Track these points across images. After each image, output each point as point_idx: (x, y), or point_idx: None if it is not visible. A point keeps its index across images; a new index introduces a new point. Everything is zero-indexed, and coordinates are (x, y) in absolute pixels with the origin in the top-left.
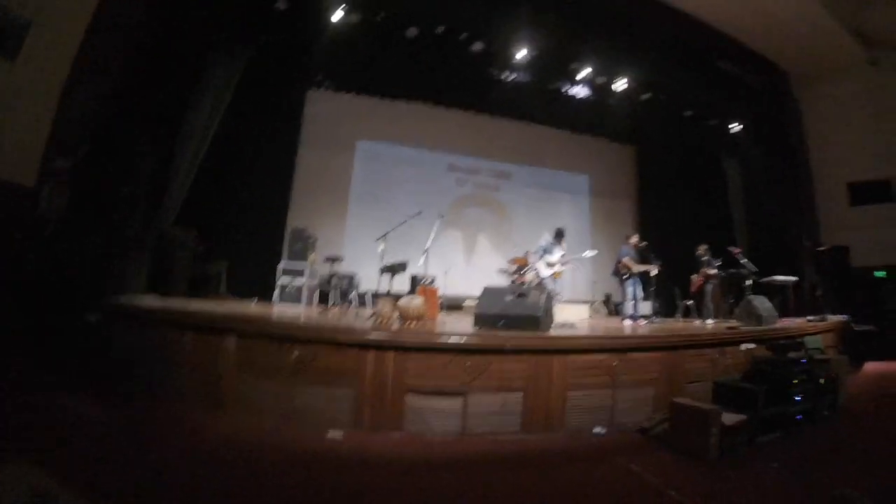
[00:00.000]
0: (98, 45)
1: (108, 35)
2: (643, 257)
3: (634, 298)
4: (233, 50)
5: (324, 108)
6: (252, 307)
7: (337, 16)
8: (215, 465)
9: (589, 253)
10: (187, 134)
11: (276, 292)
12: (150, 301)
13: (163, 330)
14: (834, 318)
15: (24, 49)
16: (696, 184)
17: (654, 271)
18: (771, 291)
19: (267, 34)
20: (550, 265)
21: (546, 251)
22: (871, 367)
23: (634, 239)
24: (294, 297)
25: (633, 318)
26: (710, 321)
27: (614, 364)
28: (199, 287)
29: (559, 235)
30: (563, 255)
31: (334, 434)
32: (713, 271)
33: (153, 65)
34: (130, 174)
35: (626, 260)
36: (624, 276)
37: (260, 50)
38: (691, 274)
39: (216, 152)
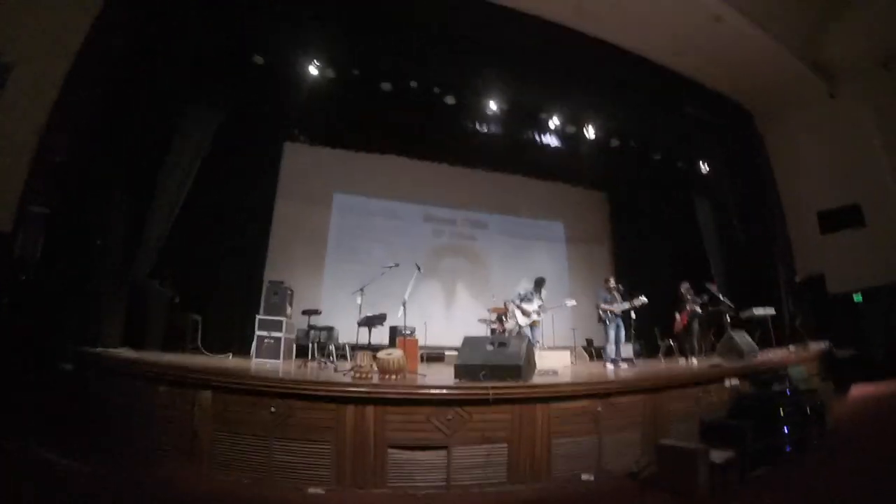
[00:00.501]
0: (76, 93)
1: (86, 84)
2: (625, 298)
3: (616, 341)
4: (211, 102)
5: (301, 160)
6: (227, 361)
7: (313, 70)
8: None
9: (569, 302)
10: (164, 184)
11: (254, 346)
12: (125, 353)
13: (137, 382)
14: (816, 346)
15: (3, 95)
16: (669, 224)
17: (638, 305)
18: (750, 325)
19: (244, 88)
20: (527, 314)
21: (524, 299)
22: (857, 390)
23: (611, 282)
24: (271, 350)
25: (615, 361)
26: (693, 359)
27: (598, 409)
28: (174, 340)
29: (539, 284)
30: (540, 305)
31: (315, 491)
32: (698, 308)
33: (131, 115)
34: (106, 224)
35: (603, 304)
36: (607, 321)
37: (238, 102)
38: (671, 313)
39: (193, 203)
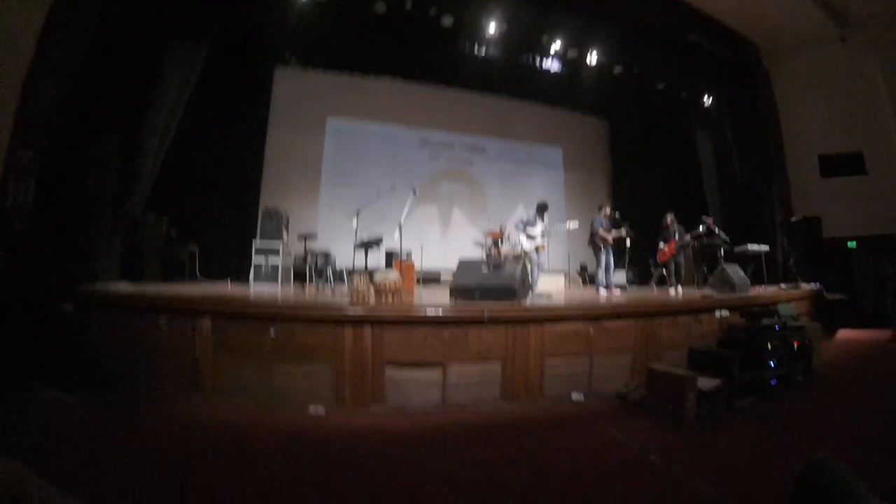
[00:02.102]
0: (57, 36)
1: (69, 24)
2: (616, 226)
3: (608, 268)
4: (197, 30)
5: (292, 85)
6: (226, 289)
7: None
8: (198, 449)
9: (571, 224)
10: (154, 118)
11: (251, 272)
12: (124, 287)
13: (137, 316)
14: (807, 287)
15: None
16: (668, 156)
17: (625, 234)
18: (744, 261)
19: (231, 12)
20: (532, 238)
21: (528, 224)
22: (843, 334)
23: (607, 209)
24: (269, 276)
25: (607, 286)
26: (680, 288)
27: (590, 332)
28: (173, 271)
29: (541, 209)
30: (544, 229)
31: (316, 410)
32: (686, 239)
33: (116, 49)
34: (97, 162)
35: (601, 231)
36: (599, 247)
37: (225, 29)
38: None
39: (184, 135)
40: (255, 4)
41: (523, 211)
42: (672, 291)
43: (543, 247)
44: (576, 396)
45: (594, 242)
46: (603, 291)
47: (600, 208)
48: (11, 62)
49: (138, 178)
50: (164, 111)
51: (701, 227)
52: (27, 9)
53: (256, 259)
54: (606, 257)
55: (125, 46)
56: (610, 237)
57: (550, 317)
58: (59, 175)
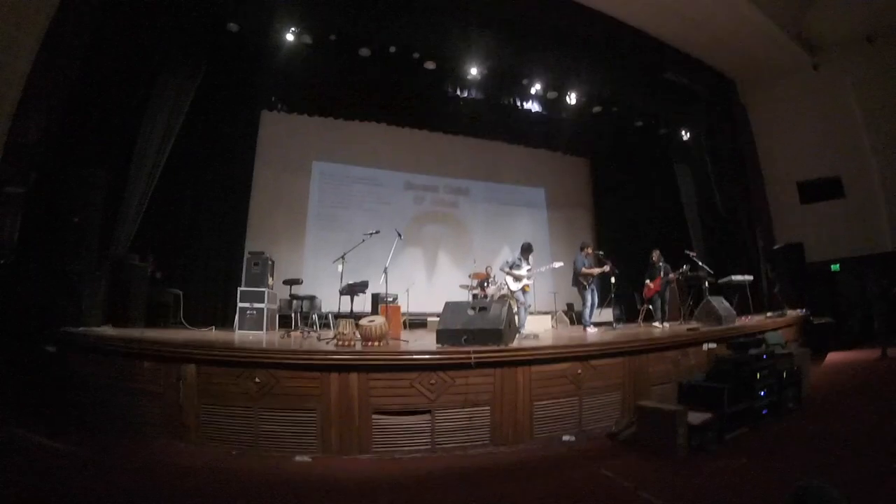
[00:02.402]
0: (48, 70)
1: (58, 60)
2: (600, 264)
3: (592, 305)
4: (184, 73)
5: (279, 129)
6: (211, 334)
7: (290, 36)
8: (181, 496)
9: (556, 264)
10: (140, 159)
11: (236, 318)
12: (107, 331)
13: (121, 360)
14: (793, 313)
15: None
16: (649, 191)
17: (608, 270)
18: (729, 291)
19: (219, 56)
20: (518, 279)
21: (513, 266)
22: (832, 357)
23: (588, 249)
24: (254, 322)
25: (589, 324)
26: (666, 324)
27: (579, 372)
28: (157, 316)
29: (526, 250)
30: (529, 269)
31: (302, 459)
32: (671, 275)
33: (103, 89)
34: (83, 199)
35: (584, 269)
36: (584, 285)
37: (212, 72)
38: (647, 279)
39: (170, 177)
40: (244, 46)
41: (509, 253)
42: (658, 327)
43: (529, 287)
44: (566, 437)
45: (578, 281)
46: (591, 329)
47: (582, 248)
48: (1, 95)
49: (124, 218)
50: (151, 150)
51: (685, 265)
52: (17, 43)
53: (241, 304)
54: (592, 296)
55: (114, 82)
56: (593, 272)
57: (538, 358)
58: (46, 211)
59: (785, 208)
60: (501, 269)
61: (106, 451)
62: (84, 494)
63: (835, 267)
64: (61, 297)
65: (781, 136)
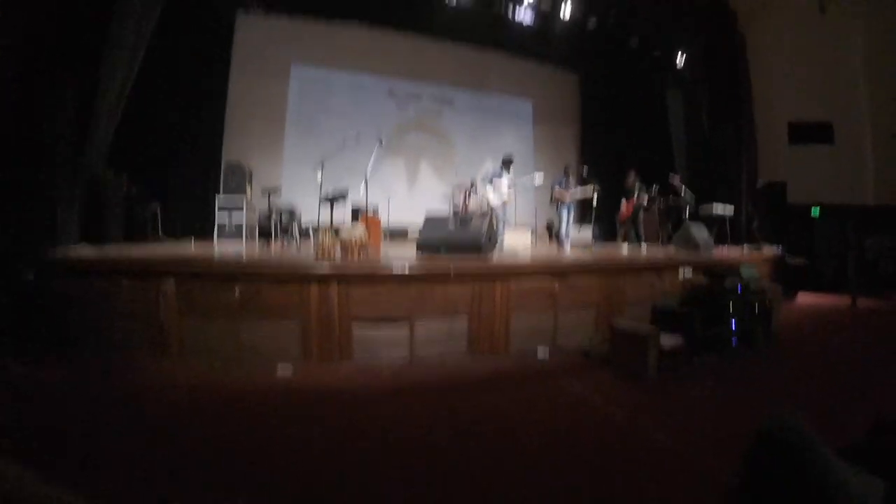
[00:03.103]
0: None
1: None
2: (584, 184)
3: (567, 224)
4: None
5: (255, 33)
6: (190, 248)
7: None
8: (166, 411)
9: (537, 177)
10: (110, 70)
11: (215, 230)
12: (84, 250)
13: (100, 279)
14: (769, 250)
15: None
16: (639, 113)
17: (590, 193)
18: (709, 221)
19: None
20: (499, 192)
21: (493, 177)
22: (803, 298)
23: (570, 173)
24: (233, 233)
25: (563, 242)
26: (642, 246)
27: (555, 288)
28: (134, 231)
29: (507, 163)
30: (510, 183)
31: (284, 367)
32: (644, 201)
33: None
34: (52, 112)
35: (556, 189)
36: (559, 204)
37: None
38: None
39: (143, 86)
40: None
41: (490, 165)
42: (633, 249)
43: (509, 201)
44: (541, 352)
45: (553, 199)
46: (566, 247)
47: (565, 169)
48: None
49: (96, 132)
50: (122, 58)
51: (654, 186)
52: None
53: (220, 216)
54: (567, 214)
55: None
56: (567, 195)
57: (516, 272)
58: (13, 127)
59: (773, 146)
60: (482, 181)
61: (88, 373)
62: (67, 420)
63: (815, 211)
64: (36, 218)
65: (777, 73)
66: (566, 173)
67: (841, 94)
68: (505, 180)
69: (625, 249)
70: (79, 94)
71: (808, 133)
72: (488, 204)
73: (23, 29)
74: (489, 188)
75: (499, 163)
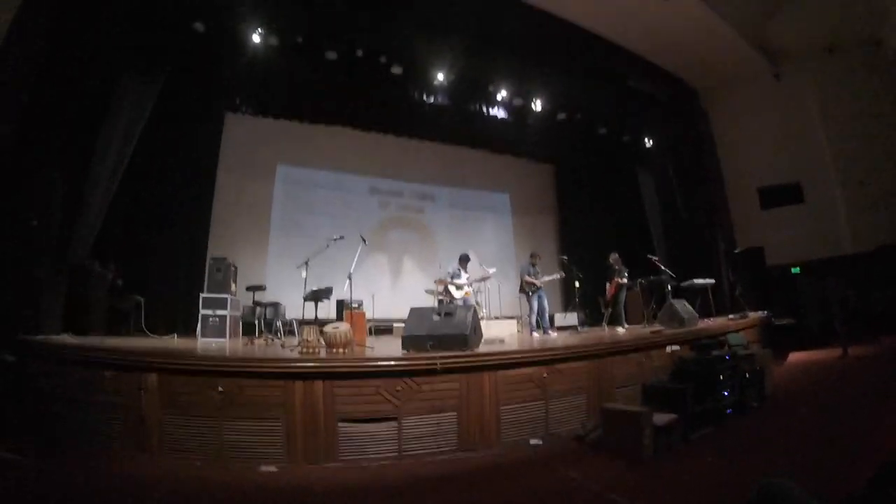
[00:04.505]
0: (7, 68)
1: (18, 56)
2: (564, 269)
3: (541, 312)
4: (147, 74)
5: (243, 132)
6: (173, 342)
7: (256, 38)
8: None
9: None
10: (100, 162)
11: (199, 325)
12: (67, 339)
13: (81, 369)
14: (754, 315)
15: None
16: (613, 197)
17: (559, 278)
18: (691, 295)
19: (183, 57)
20: (459, 288)
21: (453, 276)
22: (794, 356)
23: (536, 257)
24: (217, 329)
25: (541, 329)
26: (625, 327)
27: (544, 376)
28: (118, 323)
29: (464, 260)
30: (468, 278)
31: (268, 468)
32: (624, 279)
33: (62, 89)
34: (41, 202)
35: (526, 277)
36: (527, 293)
37: (176, 73)
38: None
39: (131, 180)
40: (209, 46)
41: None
42: (619, 330)
43: (469, 293)
44: (534, 441)
45: (522, 288)
46: (535, 335)
47: (531, 256)
48: None
49: (84, 222)
50: (112, 152)
51: (626, 272)
52: None
53: (204, 311)
54: (539, 302)
55: (74, 80)
56: (538, 282)
57: (504, 362)
58: (2, 215)
59: (746, 213)
60: (442, 280)
61: (67, 463)
62: None
63: (795, 270)
64: (19, 304)
65: (742, 143)
66: (532, 260)
67: (805, 154)
68: (464, 277)
69: (611, 330)
70: (67, 185)
71: (779, 196)
72: (451, 298)
73: (16, 120)
74: (452, 286)
75: (456, 262)
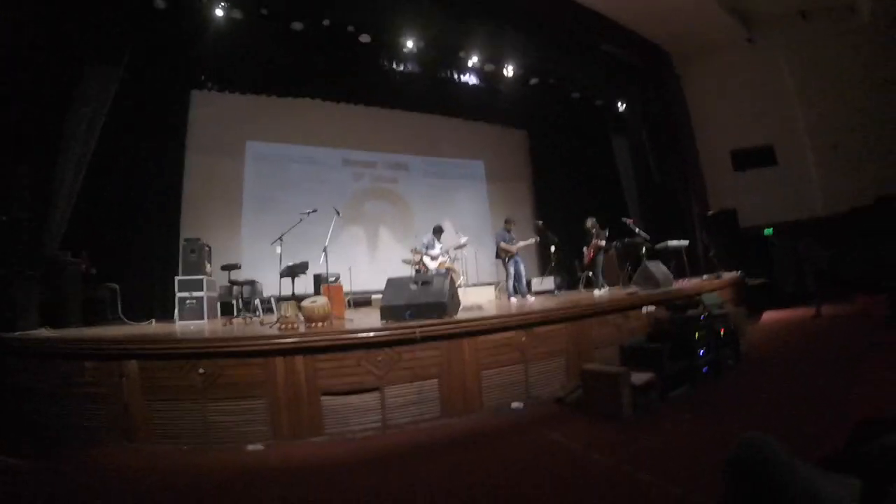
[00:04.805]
0: None
1: None
2: (539, 233)
3: (517, 277)
4: (109, 56)
5: (210, 110)
6: (151, 328)
7: (219, 12)
8: (132, 499)
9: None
10: (66, 152)
11: (176, 308)
12: (44, 333)
13: (60, 362)
14: (728, 275)
15: None
16: (587, 161)
17: (533, 243)
18: (666, 256)
19: (145, 37)
20: (434, 258)
21: (428, 247)
22: (768, 316)
23: (511, 223)
24: (195, 311)
25: (519, 294)
26: (604, 289)
27: (523, 339)
28: (94, 313)
29: (437, 232)
30: (442, 248)
31: (255, 447)
32: (602, 242)
33: (25, 82)
34: (9, 197)
35: (502, 243)
36: (505, 259)
37: (138, 54)
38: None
39: (99, 168)
40: (170, 25)
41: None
42: (597, 292)
43: (444, 264)
44: (515, 404)
45: (499, 255)
46: (513, 300)
47: (506, 222)
48: None
49: (53, 215)
50: (78, 140)
51: (604, 237)
52: None
53: (180, 294)
54: (516, 267)
55: (36, 73)
56: (514, 248)
57: (482, 328)
58: None
59: (719, 176)
60: (418, 251)
61: (53, 458)
62: None
63: (768, 231)
64: None
65: (715, 107)
66: (507, 227)
67: (777, 116)
68: (438, 248)
69: (589, 293)
70: (34, 177)
71: (752, 158)
72: (425, 268)
73: None
74: (426, 257)
75: (430, 233)
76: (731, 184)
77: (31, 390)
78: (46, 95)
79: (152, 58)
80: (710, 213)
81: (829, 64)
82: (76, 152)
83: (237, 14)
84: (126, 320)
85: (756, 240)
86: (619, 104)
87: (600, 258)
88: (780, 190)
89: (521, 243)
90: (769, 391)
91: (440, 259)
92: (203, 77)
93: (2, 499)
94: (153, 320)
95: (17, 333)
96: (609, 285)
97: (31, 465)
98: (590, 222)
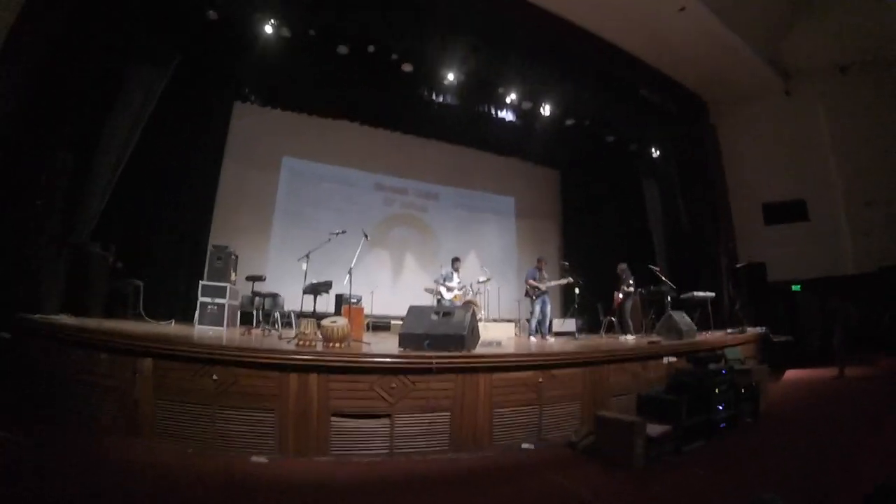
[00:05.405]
0: (17, 49)
1: (29, 40)
2: (563, 275)
3: (542, 316)
4: (158, 59)
5: (250, 122)
6: (170, 328)
7: (268, 28)
8: (132, 496)
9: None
10: (107, 145)
11: (197, 312)
12: (64, 320)
13: (77, 350)
14: (753, 331)
15: None
16: (617, 205)
17: (566, 283)
18: (691, 307)
19: (195, 45)
20: (450, 290)
21: (445, 279)
22: (790, 374)
23: (542, 262)
24: (215, 317)
25: (539, 334)
26: (630, 336)
27: (539, 381)
28: (116, 306)
29: (455, 263)
30: (459, 282)
31: (259, 459)
32: (631, 289)
33: (72, 72)
34: (46, 185)
35: (530, 280)
36: (533, 297)
37: (187, 61)
38: (613, 291)
39: (137, 164)
40: (221, 35)
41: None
42: (620, 338)
43: (459, 297)
44: (526, 445)
45: (527, 292)
46: (533, 339)
47: (538, 261)
48: None
49: (87, 204)
50: (120, 136)
51: (630, 283)
52: None
53: (203, 299)
54: (542, 307)
55: (86, 64)
56: (542, 286)
57: (500, 365)
58: (7, 193)
59: (749, 228)
60: (436, 282)
61: (58, 443)
62: (31, 491)
63: (796, 287)
64: (19, 283)
65: (749, 158)
66: (538, 265)
67: (811, 170)
68: (455, 280)
69: (610, 339)
70: (74, 167)
71: (784, 212)
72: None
73: (26, 100)
74: (443, 288)
75: (449, 265)
76: (761, 237)
77: (44, 373)
78: (95, 89)
79: (200, 66)
80: (739, 265)
81: (867, 120)
82: (117, 146)
83: (286, 32)
84: (146, 318)
85: (783, 295)
86: (653, 150)
87: (628, 304)
88: (810, 246)
89: (553, 282)
90: (785, 450)
91: (455, 292)
92: (247, 90)
93: (3, 474)
94: (173, 321)
95: (37, 316)
96: (632, 331)
97: (35, 447)
98: (620, 267)
